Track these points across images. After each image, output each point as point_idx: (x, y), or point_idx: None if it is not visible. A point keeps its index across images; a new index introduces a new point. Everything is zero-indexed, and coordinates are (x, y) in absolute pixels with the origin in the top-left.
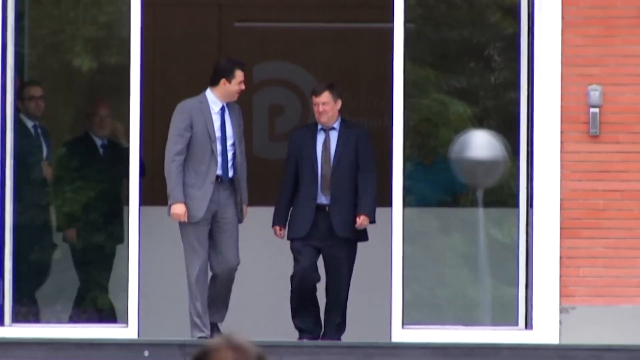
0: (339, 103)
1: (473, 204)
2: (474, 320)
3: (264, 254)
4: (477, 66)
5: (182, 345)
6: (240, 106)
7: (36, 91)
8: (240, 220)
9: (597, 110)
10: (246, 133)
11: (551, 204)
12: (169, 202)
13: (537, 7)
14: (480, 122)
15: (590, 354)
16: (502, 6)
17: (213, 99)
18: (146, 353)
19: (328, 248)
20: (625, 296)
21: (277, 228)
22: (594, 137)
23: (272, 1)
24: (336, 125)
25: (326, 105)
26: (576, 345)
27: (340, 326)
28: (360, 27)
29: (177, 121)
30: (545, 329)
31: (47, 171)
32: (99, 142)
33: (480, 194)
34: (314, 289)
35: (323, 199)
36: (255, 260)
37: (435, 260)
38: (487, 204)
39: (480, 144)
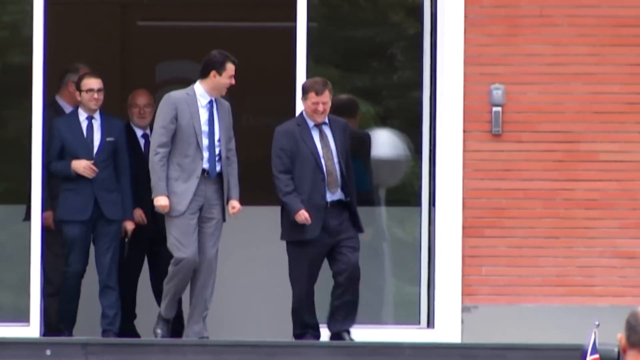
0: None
1: (376, 202)
2: (376, 319)
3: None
4: (381, 65)
5: (84, 345)
6: None
7: (94, 83)
8: (224, 219)
9: (499, 109)
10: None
11: (453, 203)
12: (153, 195)
13: (440, 6)
14: (383, 121)
15: (493, 352)
16: (406, 6)
17: (201, 92)
18: (48, 352)
19: (344, 240)
20: (527, 295)
21: (305, 211)
22: (497, 136)
23: (175, 0)
24: (325, 119)
25: (326, 105)
26: (478, 344)
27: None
28: (264, 26)
29: (162, 113)
30: (448, 328)
31: (85, 168)
32: (139, 132)
33: (383, 193)
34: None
35: (332, 196)
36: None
37: None
38: (390, 202)
39: (383, 142)
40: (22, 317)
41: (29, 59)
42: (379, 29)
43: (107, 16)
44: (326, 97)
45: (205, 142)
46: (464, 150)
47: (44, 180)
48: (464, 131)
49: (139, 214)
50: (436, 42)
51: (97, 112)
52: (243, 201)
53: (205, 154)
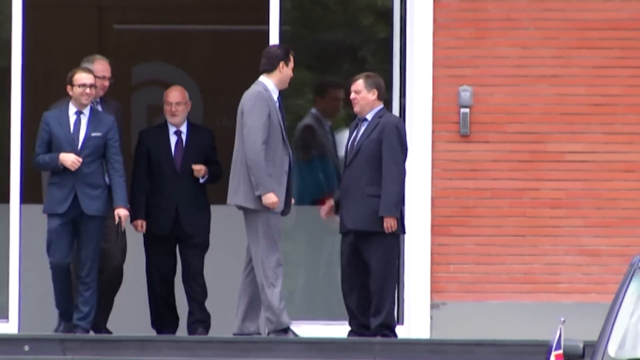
0: (375, 93)
1: None
2: (347, 316)
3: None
4: (351, 68)
5: (62, 340)
6: (119, 106)
7: (86, 79)
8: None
9: (467, 110)
10: (125, 132)
11: (422, 202)
12: (259, 192)
13: (410, 10)
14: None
15: (461, 348)
16: (376, 9)
17: (272, 86)
18: (26, 348)
19: (361, 243)
20: (494, 292)
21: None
22: (465, 137)
23: (151, 3)
24: (369, 116)
25: (357, 94)
26: (447, 340)
27: (379, 314)
28: (238, 29)
29: (258, 110)
30: (417, 324)
31: (73, 162)
32: (172, 129)
33: None
34: (359, 278)
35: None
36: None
37: (310, 257)
38: None
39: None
40: (1, 313)
41: (8, 61)
42: (350, 32)
43: (84, 19)
44: (357, 86)
45: (286, 137)
46: (433, 151)
47: (22, 178)
48: (433, 132)
49: (140, 223)
50: (405, 45)
51: (87, 107)
52: (220, 202)
53: (289, 149)
